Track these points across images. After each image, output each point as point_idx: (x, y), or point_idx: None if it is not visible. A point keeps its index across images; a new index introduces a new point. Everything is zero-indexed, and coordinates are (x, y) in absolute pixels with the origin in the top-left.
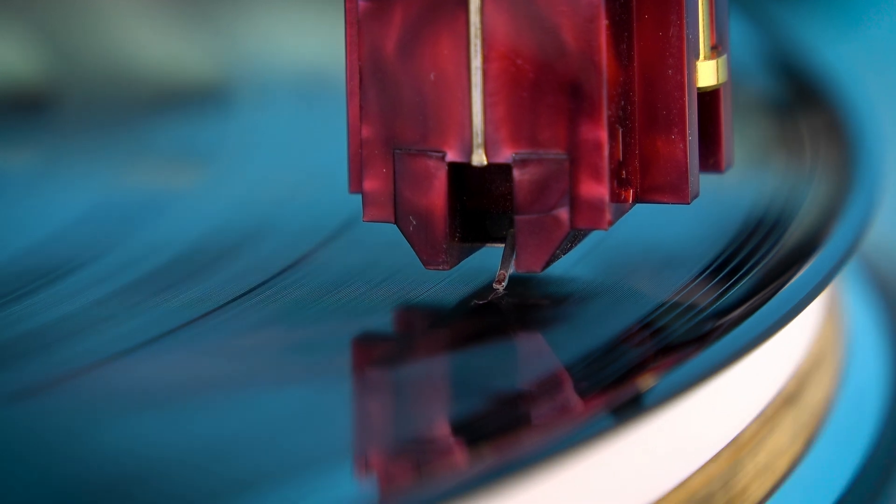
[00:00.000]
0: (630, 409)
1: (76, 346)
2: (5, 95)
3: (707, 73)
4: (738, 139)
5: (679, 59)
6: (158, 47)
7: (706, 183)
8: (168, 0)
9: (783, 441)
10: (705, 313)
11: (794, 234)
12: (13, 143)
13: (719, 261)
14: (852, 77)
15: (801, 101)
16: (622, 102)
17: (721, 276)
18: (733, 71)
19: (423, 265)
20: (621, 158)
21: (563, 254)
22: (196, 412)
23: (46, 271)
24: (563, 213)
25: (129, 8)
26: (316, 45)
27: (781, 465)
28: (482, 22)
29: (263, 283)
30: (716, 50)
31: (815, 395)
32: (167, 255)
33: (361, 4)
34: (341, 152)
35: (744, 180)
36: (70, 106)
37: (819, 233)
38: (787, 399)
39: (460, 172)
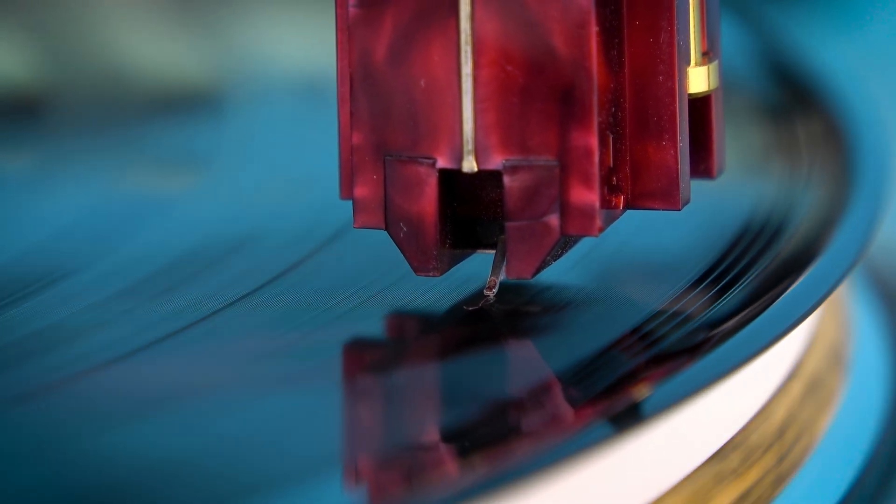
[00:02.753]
0: (621, 418)
1: (72, 350)
2: (1, 99)
3: (698, 79)
4: (733, 145)
5: (670, 66)
6: (154, 52)
7: (701, 190)
8: (164, 5)
9: (784, 445)
10: (698, 322)
11: (790, 243)
12: (9, 147)
13: (714, 269)
14: (850, 79)
15: (798, 104)
16: (613, 109)
17: (715, 284)
18: (729, 75)
19: (414, 272)
20: (612, 165)
21: (554, 260)
22: (186, 418)
23: (41, 276)
24: (554, 220)
25: (124, 12)
26: (310, 50)
27: (782, 470)
28: (473, 28)
29: (256, 289)
30: (707, 56)
31: (815, 398)
32: (162, 259)
33: (352, 10)
34: (335, 158)
35: (739, 187)
36: (65, 110)
37: (816, 241)
38: (788, 400)
39: (451, 179)
